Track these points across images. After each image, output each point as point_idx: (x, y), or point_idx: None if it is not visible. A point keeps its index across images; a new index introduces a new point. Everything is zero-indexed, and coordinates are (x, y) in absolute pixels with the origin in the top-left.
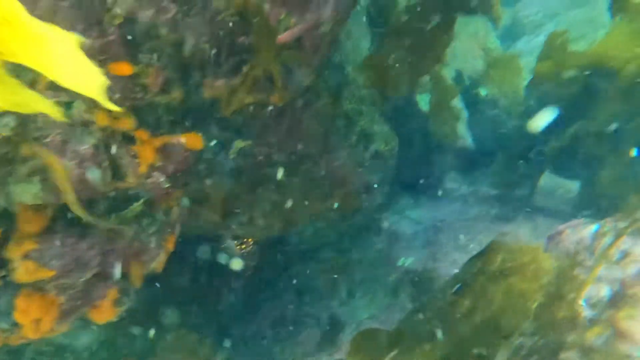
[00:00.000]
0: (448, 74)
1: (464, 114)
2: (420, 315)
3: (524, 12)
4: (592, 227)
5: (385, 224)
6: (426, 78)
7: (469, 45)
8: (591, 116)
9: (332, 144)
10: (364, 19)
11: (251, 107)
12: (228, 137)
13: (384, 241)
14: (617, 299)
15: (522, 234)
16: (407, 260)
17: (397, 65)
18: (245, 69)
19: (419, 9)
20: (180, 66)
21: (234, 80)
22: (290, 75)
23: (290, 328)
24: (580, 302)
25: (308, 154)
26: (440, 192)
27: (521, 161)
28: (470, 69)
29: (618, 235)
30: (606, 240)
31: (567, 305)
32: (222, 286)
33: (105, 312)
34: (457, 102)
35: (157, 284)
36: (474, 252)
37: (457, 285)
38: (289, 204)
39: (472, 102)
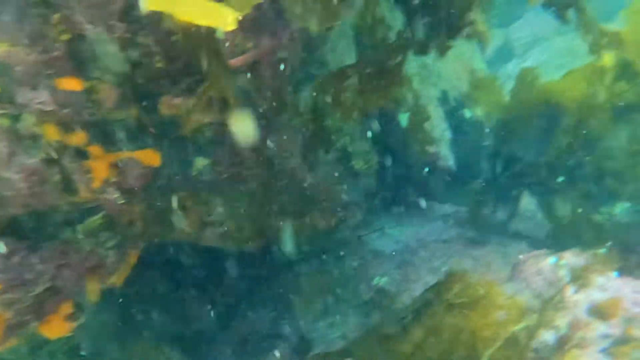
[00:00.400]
0: (434, 94)
1: (448, 135)
2: (372, 342)
3: (515, 35)
4: (551, 259)
5: (365, 241)
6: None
7: (455, 66)
8: (546, 149)
9: (309, 161)
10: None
11: (214, 125)
12: (189, 154)
13: (362, 258)
14: (563, 342)
15: (493, 260)
16: (381, 280)
17: (348, 93)
18: (200, 89)
19: (386, 44)
20: (135, 83)
21: (190, 100)
22: (248, 97)
23: (262, 344)
24: (532, 345)
25: (284, 169)
26: (422, 211)
27: (499, 184)
28: (455, 90)
29: (572, 278)
30: (561, 273)
31: (518, 347)
32: (195, 298)
33: (57, 327)
34: (442, 123)
35: (127, 294)
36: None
37: (411, 315)
38: (265, 218)
39: (456, 123)
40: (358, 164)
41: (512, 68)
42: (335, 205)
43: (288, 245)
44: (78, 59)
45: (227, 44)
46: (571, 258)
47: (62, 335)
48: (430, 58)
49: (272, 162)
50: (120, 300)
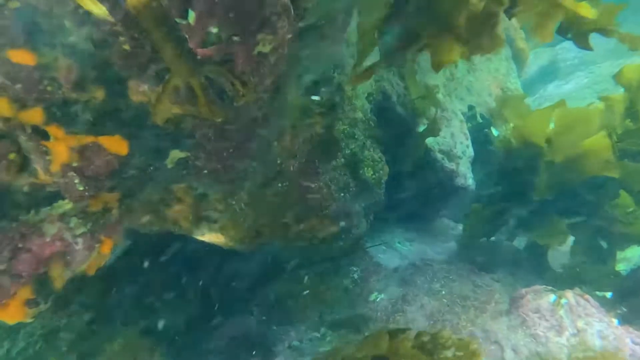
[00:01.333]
0: (460, 108)
1: (470, 152)
2: None
3: (562, 56)
4: (551, 297)
5: (370, 254)
6: (432, 110)
7: (487, 82)
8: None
9: (314, 165)
10: None
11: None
12: (165, 145)
13: (364, 271)
14: None
15: (497, 289)
16: (378, 296)
17: None
18: (167, 77)
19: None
20: (100, 64)
21: (158, 88)
22: (222, 90)
23: (250, 351)
24: None
25: (285, 171)
26: (435, 229)
27: (512, 210)
28: (484, 106)
29: (571, 321)
30: (559, 314)
31: None
32: (186, 295)
33: (13, 312)
34: (465, 139)
35: (115, 283)
36: (444, 300)
37: None
38: (261, 218)
39: (481, 141)
40: (367, 173)
41: (552, 90)
42: (337, 213)
43: (285, 249)
44: (31, 32)
45: (196, 32)
46: (572, 299)
47: (21, 320)
48: (460, 71)
49: (274, 162)
50: (107, 288)
